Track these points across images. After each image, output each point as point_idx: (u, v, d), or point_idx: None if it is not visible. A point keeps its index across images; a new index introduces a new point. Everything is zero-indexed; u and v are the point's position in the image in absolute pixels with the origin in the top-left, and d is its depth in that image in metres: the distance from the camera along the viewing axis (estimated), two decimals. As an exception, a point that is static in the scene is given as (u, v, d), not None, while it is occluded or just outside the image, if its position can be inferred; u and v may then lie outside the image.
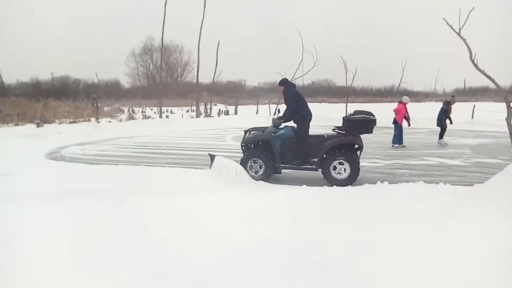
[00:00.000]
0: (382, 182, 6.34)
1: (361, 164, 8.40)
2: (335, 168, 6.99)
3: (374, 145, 12.79)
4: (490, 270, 3.16)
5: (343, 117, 7.53)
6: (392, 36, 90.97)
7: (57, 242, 3.58)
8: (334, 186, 6.48)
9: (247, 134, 7.68)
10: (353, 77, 30.62)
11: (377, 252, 3.49)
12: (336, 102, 47.88)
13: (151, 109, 35.30)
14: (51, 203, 4.80)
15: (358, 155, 7.38)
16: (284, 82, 7.67)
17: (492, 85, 6.41)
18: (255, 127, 7.87)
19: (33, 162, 9.54)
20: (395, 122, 12.64)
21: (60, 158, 10.43)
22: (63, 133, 15.17)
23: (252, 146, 7.53)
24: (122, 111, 30.80)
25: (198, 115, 26.11)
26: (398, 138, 12.41)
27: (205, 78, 43.21)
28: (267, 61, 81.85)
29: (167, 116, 27.05)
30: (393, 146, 12.32)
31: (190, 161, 9.76)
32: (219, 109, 31.24)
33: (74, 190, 5.84)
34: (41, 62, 65.76)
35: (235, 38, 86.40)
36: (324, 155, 7.05)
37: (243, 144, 7.65)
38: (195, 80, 28.60)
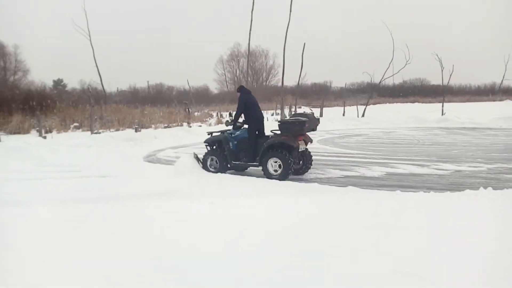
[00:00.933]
0: (485, 188, 5.77)
1: (459, 168, 8.33)
2: (272, 165, 7.77)
3: (475, 147, 11.74)
4: None
5: (278, 121, 8.56)
6: (492, 28, 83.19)
7: (156, 238, 3.79)
8: (431, 192, 6.04)
9: (209, 136, 8.82)
10: (450, 75, 28.60)
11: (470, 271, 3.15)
12: (430, 102, 44.96)
13: (238, 113, 36.22)
14: (150, 202, 5.12)
15: (299, 153, 8.11)
16: (239, 89, 8.68)
17: None
18: (217, 130, 8.98)
19: (132, 164, 10.29)
20: None
21: (156, 160, 11.11)
22: (159, 137, 16.18)
23: (211, 146, 8.78)
24: (211, 116, 32.03)
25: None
26: None
27: (290, 81, 43.43)
28: (354, 61, 79.78)
29: (253, 120, 27.55)
30: None
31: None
32: (304, 112, 31.06)
33: (170, 191, 6.16)
34: (138, 72, 71.40)
35: (321, 40, 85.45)
36: (261, 154, 7.89)
37: (206, 144, 8.85)
38: (279, 84, 28.83)
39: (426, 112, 26.08)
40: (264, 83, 64.81)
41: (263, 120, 8.48)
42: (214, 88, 65.51)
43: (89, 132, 16.83)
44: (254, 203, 5.19)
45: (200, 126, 22.51)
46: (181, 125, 22.07)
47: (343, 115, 27.72)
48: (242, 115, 8.37)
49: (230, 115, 9.25)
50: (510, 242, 3.64)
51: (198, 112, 33.54)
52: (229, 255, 3.42)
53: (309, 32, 73.88)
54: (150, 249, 3.58)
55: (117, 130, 18.72)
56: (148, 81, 40.15)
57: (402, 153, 11.01)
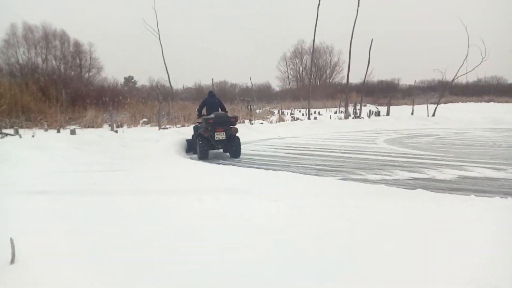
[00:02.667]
0: None
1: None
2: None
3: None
4: None
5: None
6: None
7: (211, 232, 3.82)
8: (508, 197, 5.52)
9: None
10: (531, 72, 26.27)
11: None
12: (507, 102, 41.73)
13: (299, 111, 36.03)
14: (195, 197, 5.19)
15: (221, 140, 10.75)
16: (208, 93, 11.96)
17: None
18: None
19: (194, 160, 10.57)
20: None
21: (220, 156, 11.31)
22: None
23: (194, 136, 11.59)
24: (273, 113, 32.11)
25: (347, 116, 25.61)
26: None
27: (355, 78, 42.27)
28: (424, 58, 76.05)
29: (315, 118, 27.22)
30: None
31: (339, 163, 9.55)
32: (369, 110, 30.12)
33: (229, 187, 6.21)
34: (203, 70, 73.42)
35: (389, 35, 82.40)
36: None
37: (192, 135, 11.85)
38: (343, 81, 28.24)
39: (502, 113, 24.21)
40: (328, 80, 63.82)
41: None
42: (276, 85, 65.67)
43: (157, 128, 17.55)
44: (319, 203, 5.07)
45: (262, 123, 22.63)
46: (243, 122, 22.32)
47: (412, 114, 26.51)
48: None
49: (197, 110, 12.11)
50: None
51: (260, 109, 33.76)
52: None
53: (377, 28, 71.60)
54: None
55: (183, 126, 19.33)
56: (212, 79, 41.12)
57: (476, 156, 10.27)
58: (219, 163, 9.76)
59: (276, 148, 12.95)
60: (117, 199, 5.42)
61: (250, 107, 26.92)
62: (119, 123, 19.13)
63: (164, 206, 4.95)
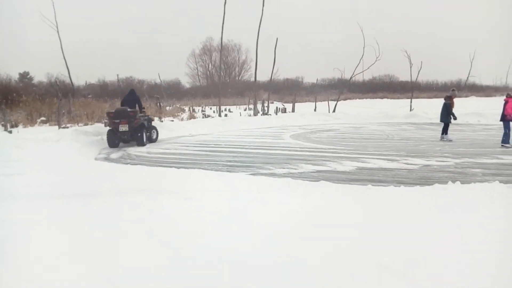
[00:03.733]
0: (453, 182, 5.95)
1: (428, 162, 8.68)
2: None
3: (442, 142, 12.11)
4: None
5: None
6: (458, 27, 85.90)
7: (123, 235, 3.70)
8: (401, 186, 6.16)
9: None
10: (418, 72, 29.37)
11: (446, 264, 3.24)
12: (398, 98, 46.06)
13: (210, 108, 36.05)
14: (119, 199, 5.00)
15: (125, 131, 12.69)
16: (129, 90, 14.29)
17: None
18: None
19: (99, 161, 10.06)
20: (504, 118, 11.33)
21: (127, 156, 10.91)
22: (129, 132, 15.84)
23: None
24: (183, 111, 31.70)
25: (256, 113, 26.23)
26: (508, 137, 11.17)
27: (262, 76, 43.56)
28: (325, 57, 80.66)
29: (225, 115, 27.47)
30: (502, 145, 11.07)
31: (249, 159, 9.79)
32: (276, 107, 31.21)
33: (138, 188, 6.05)
34: (107, 65, 69.76)
35: (293, 35, 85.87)
36: None
37: None
38: (252, 79, 28.80)
39: (395, 108, 26.69)
40: (237, 78, 64.68)
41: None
42: (186, 82, 64.75)
43: (56, 127, 16.32)
44: (230, 198, 5.16)
45: (172, 120, 22.22)
46: (152, 119, 21.71)
47: (315, 110, 28.00)
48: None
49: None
50: (481, 236, 3.76)
51: (170, 106, 33.10)
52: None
53: (282, 27, 74.14)
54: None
55: (86, 124, 18.23)
56: (118, 75, 39.22)
57: (372, 148, 11.22)
58: (127, 163, 9.43)
59: (187, 146, 12.85)
60: (10, 204, 4.97)
61: (160, 104, 26.24)
62: (13, 122, 17.42)
63: (66, 211, 4.65)
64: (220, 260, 3.19)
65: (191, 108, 34.13)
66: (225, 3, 23.87)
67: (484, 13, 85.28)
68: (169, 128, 17.80)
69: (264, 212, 4.55)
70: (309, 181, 6.82)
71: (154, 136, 14.17)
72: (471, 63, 46.51)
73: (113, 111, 13.02)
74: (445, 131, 12.81)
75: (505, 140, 11.16)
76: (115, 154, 11.31)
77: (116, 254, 3.35)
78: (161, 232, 3.83)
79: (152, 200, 5.04)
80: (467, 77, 51.71)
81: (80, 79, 50.56)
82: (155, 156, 10.79)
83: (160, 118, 21.97)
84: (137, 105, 13.49)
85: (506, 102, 11.30)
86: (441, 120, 13.05)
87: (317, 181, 6.71)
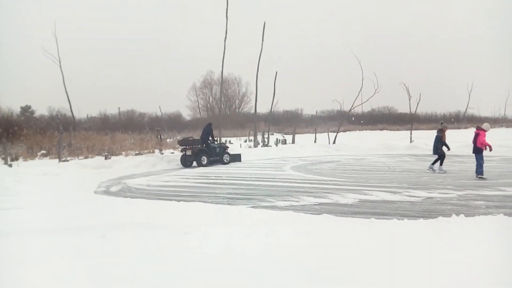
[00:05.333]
0: (457, 215, 5.86)
1: (430, 195, 8.61)
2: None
3: (444, 174, 12.04)
4: None
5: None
6: (457, 60, 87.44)
7: (124, 271, 3.60)
8: (405, 219, 6.07)
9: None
10: (417, 103, 29.65)
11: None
12: (398, 130, 46.25)
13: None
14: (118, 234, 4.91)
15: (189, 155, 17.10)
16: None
17: None
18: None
19: (98, 194, 9.99)
20: (477, 150, 11.44)
21: (127, 189, 10.83)
22: (129, 165, 15.84)
23: None
24: (184, 143, 31.69)
25: (256, 144, 26.29)
26: (482, 168, 11.18)
27: (262, 108, 43.88)
28: (324, 89, 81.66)
29: (226, 147, 27.50)
30: (478, 177, 11.06)
31: (250, 191, 9.71)
32: (277, 139, 31.29)
33: (138, 222, 5.96)
34: (109, 98, 70.57)
35: (292, 68, 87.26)
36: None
37: None
38: (252, 111, 29.06)
39: (395, 140, 26.74)
40: (237, 110, 65.26)
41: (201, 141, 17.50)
42: (187, 114, 65.24)
43: (57, 160, 16.29)
44: (231, 233, 5.07)
45: (173, 153, 22.22)
46: (153, 152, 21.76)
47: (315, 141, 28.05)
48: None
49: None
50: (486, 268, 3.67)
51: (171, 138, 33.20)
52: None
53: (281, 60, 75.47)
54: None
55: (86, 157, 18.22)
56: (119, 108, 39.70)
57: (374, 180, 11.15)
58: (126, 196, 9.35)
59: (187, 178, 12.78)
60: (9, 240, 4.87)
61: (160, 136, 26.31)
62: (13, 156, 17.40)
63: (63, 247, 4.55)
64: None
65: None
66: (225, 38, 24.42)
67: (482, 44, 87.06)
68: (169, 160, 17.78)
69: (265, 249, 4.46)
70: (311, 214, 6.74)
71: (226, 160, 18.09)
72: (469, 94, 47.17)
73: (179, 140, 18.82)
74: (440, 162, 12.65)
75: (479, 171, 11.15)
76: (115, 187, 11.23)
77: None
78: (160, 273, 3.74)
79: (151, 235, 4.94)
80: (466, 109, 52.26)
81: (81, 112, 50.99)
82: (155, 188, 10.71)
83: (160, 150, 21.97)
84: (209, 136, 17.75)
85: (476, 135, 11.48)
86: (435, 153, 13.02)
87: (320, 214, 6.63)
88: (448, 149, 13.05)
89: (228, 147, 19.18)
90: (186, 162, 17.02)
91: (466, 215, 5.84)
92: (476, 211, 6.73)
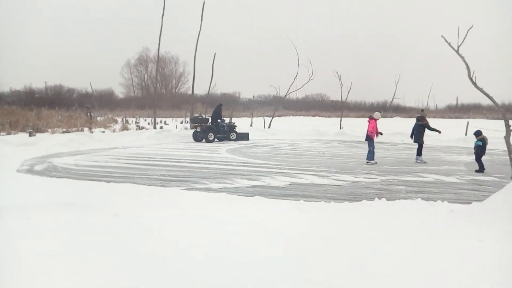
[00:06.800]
0: (379, 198, 6.28)
1: (356, 179, 9.12)
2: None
3: (376, 161, 12.77)
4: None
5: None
6: (386, 51, 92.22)
7: (48, 252, 3.46)
8: (332, 202, 6.39)
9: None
10: (348, 92, 30.94)
11: (375, 271, 3.41)
12: (329, 116, 48.03)
13: (145, 120, 35.17)
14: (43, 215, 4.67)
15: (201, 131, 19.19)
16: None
17: (485, 102, 6.50)
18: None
19: (21, 173, 9.38)
20: (368, 138, 12.28)
21: (52, 168, 10.27)
22: (56, 143, 14.97)
23: None
24: (116, 121, 30.59)
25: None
26: (373, 154, 12.10)
27: (200, 89, 43.46)
28: (262, 74, 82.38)
29: (161, 127, 26.91)
30: (367, 162, 12.00)
31: (184, 173, 9.65)
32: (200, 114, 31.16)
33: (64, 202, 5.70)
34: (35, 71, 65.63)
35: (231, 51, 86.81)
36: None
37: None
38: (189, 92, 28.65)
39: (326, 126, 27.74)
40: (174, 90, 63.80)
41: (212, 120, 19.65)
42: (119, 92, 62.54)
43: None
44: (163, 215, 5.03)
45: (103, 132, 21.34)
46: (82, 130, 20.78)
47: (251, 125, 28.31)
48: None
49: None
50: (405, 249, 4.00)
51: (102, 117, 31.79)
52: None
53: (220, 42, 74.62)
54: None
55: (9, 133, 16.92)
56: (46, 82, 37.04)
57: (304, 164, 11.56)
58: (52, 176, 8.87)
59: (119, 159, 12.36)
60: None
61: (90, 114, 25.13)
62: None
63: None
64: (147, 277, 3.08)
65: (124, 119, 33.05)
66: (162, 15, 23.60)
67: (408, 39, 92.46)
68: (99, 139, 17.06)
69: (197, 231, 4.48)
70: (245, 196, 6.87)
71: (233, 137, 19.95)
72: (396, 85, 50.00)
73: (190, 118, 21.97)
74: (419, 152, 12.73)
75: (369, 157, 12.08)
76: (39, 166, 10.59)
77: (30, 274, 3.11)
78: (85, 255, 3.62)
79: (78, 216, 4.76)
80: (392, 99, 55.46)
81: (3, 85, 46.91)
82: (83, 168, 10.26)
83: (90, 128, 20.99)
84: (219, 115, 19.65)
85: (369, 123, 12.35)
86: (416, 141, 12.92)
87: (252, 196, 6.78)
88: (439, 132, 12.90)
89: (236, 126, 20.56)
90: (197, 137, 19.04)
91: (388, 199, 6.28)
92: (397, 196, 7.24)
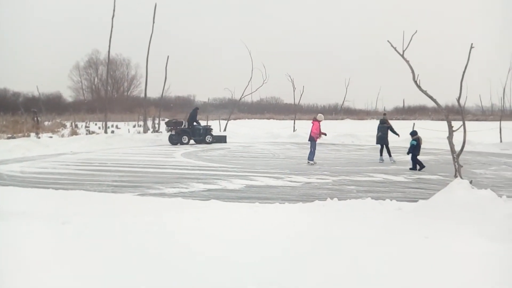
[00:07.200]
0: (331, 198, 6.48)
1: (309, 180, 9.38)
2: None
3: (321, 161, 13.09)
4: (438, 285, 3.30)
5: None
6: (337, 56, 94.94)
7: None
8: (286, 203, 6.51)
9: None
10: (301, 95, 31.52)
11: (327, 270, 3.53)
12: (283, 119, 48.68)
13: (96, 124, 34.07)
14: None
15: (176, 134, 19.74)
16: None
17: (429, 105, 6.88)
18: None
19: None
20: (311, 139, 12.63)
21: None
22: (0, 149, 14.17)
23: None
24: (65, 126, 29.44)
25: (146, 130, 25.46)
26: (313, 155, 12.45)
27: (153, 92, 42.53)
28: (217, 77, 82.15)
29: (112, 132, 26.19)
30: (308, 162, 12.35)
31: (137, 178, 9.46)
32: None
33: (10, 211, 5.44)
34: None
35: (185, 54, 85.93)
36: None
37: None
38: (142, 95, 28.06)
39: (280, 128, 28.13)
40: (126, 93, 62.14)
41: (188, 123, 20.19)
42: (68, 96, 60.03)
43: None
44: (114, 222, 4.92)
45: (51, 137, 20.46)
46: (28, 135, 19.84)
47: (206, 129, 28.15)
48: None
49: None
50: (354, 246, 4.16)
51: (49, 121, 30.44)
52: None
53: (173, 44, 73.71)
54: None
55: None
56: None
57: (260, 166, 11.68)
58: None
59: (68, 165, 11.90)
60: None
61: (37, 118, 23.98)
62: None
63: None
64: None
65: (73, 123, 31.87)
66: (113, 16, 23.00)
67: (358, 46, 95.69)
68: (47, 145, 16.35)
69: (150, 237, 4.43)
70: (200, 200, 6.85)
71: (209, 140, 20.30)
72: (346, 89, 51.64)
73: (166, 121, 21.94)
74: (383, 151, 13.22)
75: (310, 157, 12.48)
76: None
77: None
78: (34, 265, 3.49)
79: (24, 225, 4.56)
80: (343, 102, 57.19)
81: None
82: (30, 176, 9.80)
83: (37, 134, 20.05)
84: (194, 119, 20.35)
85: (312, 125, 12.80)
86: (380, 142, 13.39)
87: (208, 199, 6.77)
88: (398, 135, 13.65)
89: (212, 129, 21.17)
90: (173, 140, 19.42)
91: (340, 199, 6.49)
92: (348, 195, 7.49)
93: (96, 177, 9.59)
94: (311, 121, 13.03)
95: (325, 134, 13.30)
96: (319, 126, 12.73)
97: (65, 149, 16.04)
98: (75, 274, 3.27)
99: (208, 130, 20.79)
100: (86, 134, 24.00)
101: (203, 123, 22.13)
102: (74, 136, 21.56)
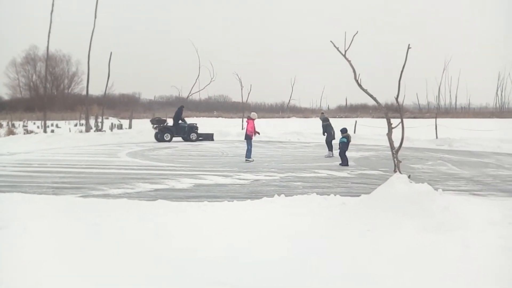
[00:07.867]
0: (279, 195, 6.60)
1: (257, 177, 9.48)
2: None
3: (269, 158, 13.28)
4: (379, 275, 3.49)
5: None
6: (283, 56, 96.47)
7: None
8: (234, 201, 6.55)
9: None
10: (248, 94, 31.74)
11: (267, 266, 3.62)
12: (232, 117, 48.78)
13: (34, 123, 32.28)
14: None
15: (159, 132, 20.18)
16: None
17: (370, 103, 7.20)
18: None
19: None
20: (247, 137, 12.78)
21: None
22: None
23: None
24: (0, 125, 27.68)
25: (88, 129, 24.50)
26: (250, 152, 12.66)
27: (96, 90, 40.91)
28: (163, 74, 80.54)
29: (52, 131, 24.96)
30: (246, 160, 12.51)
31: (80, 179, 9.10)
32: (112, 123, 29.73)
33: None
34: None
35: (129, 50, 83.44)
36: None
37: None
38: (84, 92, 26.95)
39: (228, 126, 28.16)
40: (66, 91, 59.31)
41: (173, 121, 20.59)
42: (4, 93, 56.25)
43: None
44: (54, 225, 4.71)
45: (-17, 137, 19.10)
46: (196, 127, 20.72)
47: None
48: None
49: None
50: (301, 241, 4.29)
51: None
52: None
53: (116, 41, 71.33)
54: None
55: None
56: None
57: (208, 165, 11.64)
58: None
59: (4, 166, 11.18)
60: None
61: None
62: None
63: None
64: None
65: (10, 122, 29.99)
66: (51, 11, 21.91)
67: (301, 48, 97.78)
68: (-21, 146, 15.24)
69: (93, 239, 4.30)
70: (146, 200, 6.71)
71: (193, 138, 20.64)
72: (292, 87, 52.66)
73: (150, 119, 22.14)
74: (331, 148, 13.76)
75: (248, 155, 12.70)
76: None
77: None
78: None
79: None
80: (289, 100, 58.30)
81: None
82: (-41, 179, 9.11)
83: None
84: (179, 116, 20.62)
85: (247, 124, 13.08)
86: (332, 139, 13.84)
87: (155, 200, 6.65)
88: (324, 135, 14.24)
89: (197, 128, 21.21)
90: (158, 138, 19.94)
91: (286, 195, 6.63)
92: (295, 191, 7.67)
93: (35, 179, 9.10)
94: (246, 120, 13.17)
95: (259, 133, 13.63)
96: (254, 124, 12.88)
97: (1, 150, 15.03)
98: (10, 278, 3.11)
99: (193, 128, 20.96)
100: (24, 133, 22.67)
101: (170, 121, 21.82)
102: (11, 135, 20.28)
